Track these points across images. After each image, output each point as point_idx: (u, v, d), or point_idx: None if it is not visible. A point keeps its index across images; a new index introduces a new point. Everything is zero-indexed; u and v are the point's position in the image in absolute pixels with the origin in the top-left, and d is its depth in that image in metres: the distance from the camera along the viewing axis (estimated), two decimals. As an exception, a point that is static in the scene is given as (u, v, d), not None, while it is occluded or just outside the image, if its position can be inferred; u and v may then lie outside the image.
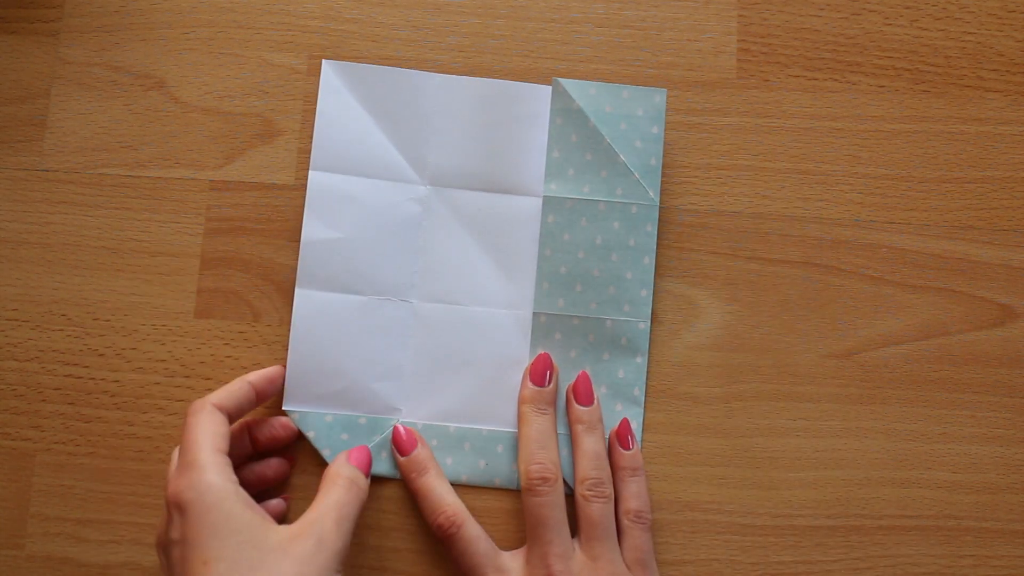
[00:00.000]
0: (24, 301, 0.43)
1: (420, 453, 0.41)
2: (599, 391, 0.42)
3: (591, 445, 0.40)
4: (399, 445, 0.41)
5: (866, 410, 0.43)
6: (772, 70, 0.45)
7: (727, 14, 0.45)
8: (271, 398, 0.41)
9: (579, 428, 0.41)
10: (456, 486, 0.42)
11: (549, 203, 0.42)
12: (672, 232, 0.44)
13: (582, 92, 0.43)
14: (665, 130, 0.44)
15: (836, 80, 0.45)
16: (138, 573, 0.42)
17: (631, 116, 0.43)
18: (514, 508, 0.42)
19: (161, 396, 0.43)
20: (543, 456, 0.40)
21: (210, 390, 0.42)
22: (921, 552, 0.42)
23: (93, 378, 0.43)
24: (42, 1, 0.45)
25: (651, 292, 0.42)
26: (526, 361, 0.42)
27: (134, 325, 0.43)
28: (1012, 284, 0.44)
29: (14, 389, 0.43)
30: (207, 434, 0.36)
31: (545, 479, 0.39)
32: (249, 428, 0.41)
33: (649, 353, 0.43)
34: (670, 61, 0.45)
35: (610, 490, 0.40)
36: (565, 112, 0.43)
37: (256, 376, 0.40)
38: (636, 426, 0.42)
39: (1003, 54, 0.45)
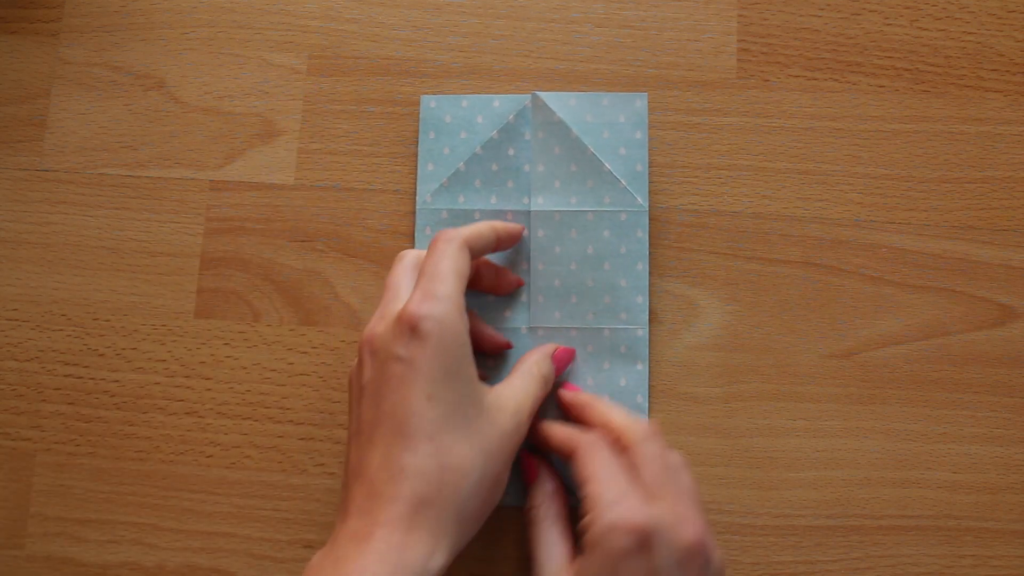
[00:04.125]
0: (24, 301, 0.43)
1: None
2: None
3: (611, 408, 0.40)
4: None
5: (866, 410, 0.43)
6: (772, 70, 0.45)
7: (727, 14, 0.45)
8: (505, 250, 0.41)
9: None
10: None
11: (537, 217, 0.42)
12: (672, 232, 0.44)
13: (562, 104, 0.42)
14: (665, 130, 0.44)
15: (836, 80, 0.45)
16: (138, 573, 0.42)
17: (613, 124, 0.42)
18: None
19: (161, 396, 0.43)
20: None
21: (209, 391, 0.43)
22: (921, 552, 0.42)
23: (93, 378, 0.43)
24: (42, 1, 0.45)
25: (647, 298, 0.42)
26: None
27: (134, 325, 0.43)
28: (1012, 284, 0.44)
29: (14, 389, 0.43)
30: (456, 271, 0.36)
31: None
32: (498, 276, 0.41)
33: (649, 356, 0.43)
34: (670, 61, 0.45)
35: None
36: (546, 125, 0.42)
37: (502, 225, 0.40)
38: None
39: (1003, 54, 0.45)
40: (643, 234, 0.42)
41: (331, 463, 0.42)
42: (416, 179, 0.44)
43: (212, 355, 0.43)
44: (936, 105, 0.45)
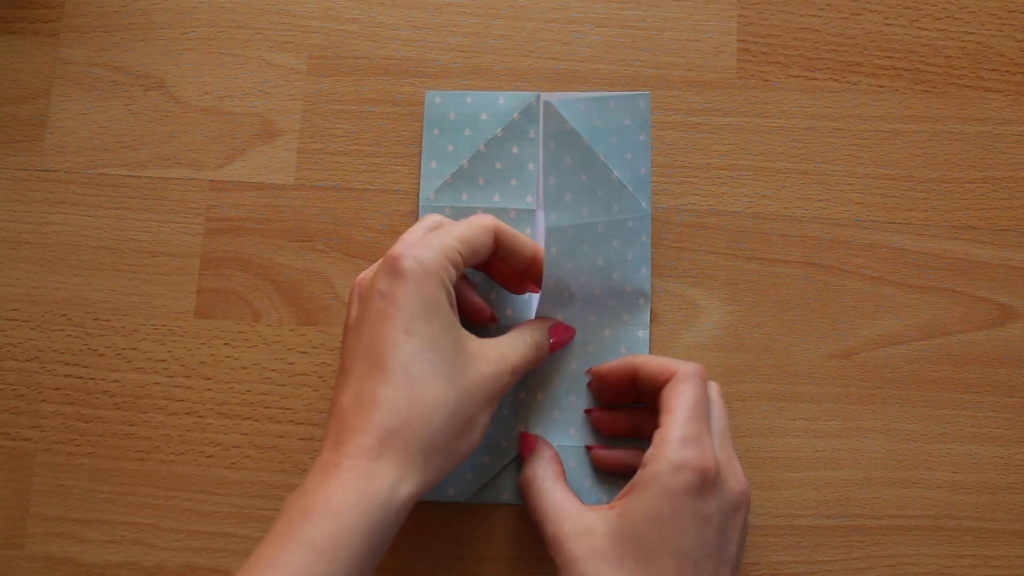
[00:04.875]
0: (24, 301, 0.43)
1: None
2: None
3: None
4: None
5: (866, 410, 0.43)
6: (772, 70, 0.45)
7: (727, 14, 0.45)
8: (510, 265, 0.40)
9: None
10: (457, 503, 0.42)
11: (552, 234, 0.39)
12: (672, 232, 0.44)
13: (572, 110, 0.39)
14: (665, 130, 0.44)
15: (836, 80, 0.45)
16: (138, 573, 0.42)
17: (620, 127, 0.40)
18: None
19: (161, 396, 0.43)
20: None
21: (209, 391, 0.43)
22: (921, 552, 0.42)
23: (93, 378, 0.43)
24: (42, 1, 0.45)
25: (648, 301, 0.42)
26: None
27: (134, 325, 0.43)
28: (1012, 284, 0.44)
29: (14, 389, 0.43)
30: (463, 236, 0.37)
31: None
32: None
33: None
34: (670, 61, 0.45)
35: None
36: (558, 135, 0.39)
37: (511, 233, 0.39)
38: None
39: (1003, 54, 0.45)
40: (646, 238, 0.42)
41: (331, 463, 0.42)
42: (419, 176, 0.44)
43: (212, 355, 0.43)
44: (936, 105, 0.45)
